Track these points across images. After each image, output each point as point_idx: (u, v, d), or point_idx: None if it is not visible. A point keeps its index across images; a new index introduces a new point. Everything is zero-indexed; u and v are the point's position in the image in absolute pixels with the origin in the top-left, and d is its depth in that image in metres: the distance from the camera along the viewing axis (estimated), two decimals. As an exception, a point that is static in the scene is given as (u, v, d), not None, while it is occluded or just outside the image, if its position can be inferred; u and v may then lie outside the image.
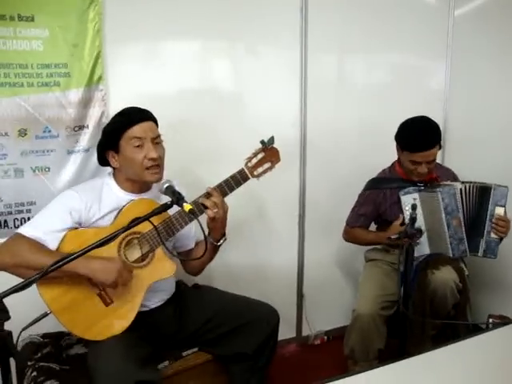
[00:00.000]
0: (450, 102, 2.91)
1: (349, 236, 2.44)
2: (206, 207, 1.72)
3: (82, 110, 2.08)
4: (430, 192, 2.12)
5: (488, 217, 2.12)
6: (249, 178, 1.82)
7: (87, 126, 2.11)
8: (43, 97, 2.00)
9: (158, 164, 1.74)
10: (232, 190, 1.79)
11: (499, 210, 2.12)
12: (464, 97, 2.83)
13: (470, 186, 2.15)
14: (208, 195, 1.73)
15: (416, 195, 2.12)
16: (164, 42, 2.26)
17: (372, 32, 2.66)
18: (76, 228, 1.67)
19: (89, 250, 1.31)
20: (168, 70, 2.27)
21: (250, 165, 1.81)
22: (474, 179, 2.21)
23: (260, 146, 1.84)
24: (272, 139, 1.82)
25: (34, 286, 1.50)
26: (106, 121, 2.12)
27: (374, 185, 2.34)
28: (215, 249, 1.88)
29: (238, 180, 1.79)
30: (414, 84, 2.84)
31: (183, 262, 1.98)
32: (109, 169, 1.87)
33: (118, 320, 1.67)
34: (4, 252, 1.58)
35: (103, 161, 1.82)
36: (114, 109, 2.11)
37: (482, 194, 2.14)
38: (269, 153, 1.84)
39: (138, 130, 1.72)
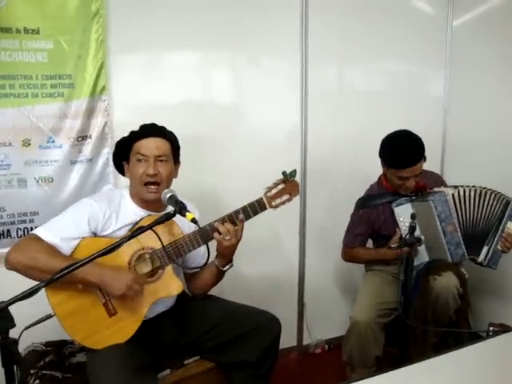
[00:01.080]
0: (449, 111, 2.94)
1: (348, 257, 2.43)
2: (219, 233, 1.72)
3: (85, 121, 2.10)
4: (422, 201, 2.12)
5: (500, 228, 2.13)
6: (266, 208, 1.81)
7: (90, 136, 2.13)
8: (47, 107, 2.03)
9: (156, 182, 1.75)
10: (248, 218, 1.78)
11: (510, 225, 2.13)
12: (463, 106, 2.86)
13: (464, 190, 2.14)
14: (223, 221, 1.74)
15: (409, 205, 2.12)
16: (167, 54, 2.30)
17: (372, 43, 2.69)
18: (88, 237, 1.69)
19: (96, 257, 1.32)
20: (170, 81, 2.29)
21: (269, 195, 1.80)
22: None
23: (281, 176, 1.83)
24: (294, 172, 1.82)
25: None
26: (108, 131, 2.16)
27: (366, 203, 2.33)
28: (220, 274, 1.89)
29: (255, 209, 1.78)
30: (414, 94, 2.87)
31: (188, 284, 1.99)
32: (123, 182, 1.93)
33: (120, 332, 1.68)
34: (19, 252, 1.58)
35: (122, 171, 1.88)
36: (117, 119, 2.16)
37: (501, 205, 2.14)
38: (289, 185, 1.83)
39: (143, 145, 1.75)
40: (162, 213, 1.77)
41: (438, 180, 2.36)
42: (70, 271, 1.29)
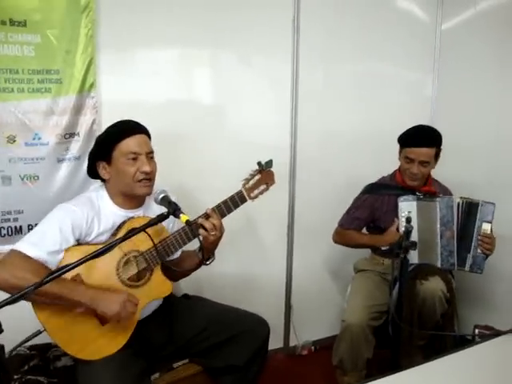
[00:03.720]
0: (437, 113, 2.97)
1: (340, 237, 2.43)
2: (204, 229, 1.70)
3: (73, 118, 2.04)
4: (428, 201, 2.16)
5: (475, 233, 2.15)
6: (246, 200, 1.81)
7: (78, 134, 2.07)
8: (34, 103, 1.96)
9: (149, 178, 1.72)
10: (230, 211, 1.78)
11: (486, 226, 2.14)
12: (451, 108, 2.89)
13: (463, 202, 2.17)
14: (207, 216, 1.71)
15: (414, 203, 2.14)
16: (156, 51, 2.25)
17: (362, 45, 2.71)
18: (74, 245, 1.62)
19: (86, 260, 1.27)
20: (160, 78, 2.25)
21: (247, 186, 1.80)
22: (459, 188, 2.28)
23: (256, 167, 1.83)
24: (271, 162, 1.82)
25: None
26: (97, 128, 2.10)
27: (373, 190, 2.36)
28: (201, 265, 1.87)
29: (236, 202, 1.78)
30: (403, 96, 2.89)
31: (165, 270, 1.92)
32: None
33: (114, 338, 1.63)
34: (6, 272, 1.47)
35: (93, 173, 1.77)
36: (106, 117, 2.11)
37: (470, 209, 2.16)
38: (265, 175, 1.83)
39: (133, 143, 1.68)
40: (141, 210, 1.78)
41: (449, 194, 2.35)
42: (58, 276, 1.24)
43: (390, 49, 2.80)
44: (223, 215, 1.76)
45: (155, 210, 1.77)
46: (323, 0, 2.58)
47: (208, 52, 2.37)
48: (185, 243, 1.73)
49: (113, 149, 1.68)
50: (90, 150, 1.98)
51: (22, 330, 1.46)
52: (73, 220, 1.61)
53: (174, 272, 1.89)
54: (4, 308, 1.14)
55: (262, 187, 1.84)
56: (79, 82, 2.03)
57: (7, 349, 1.79)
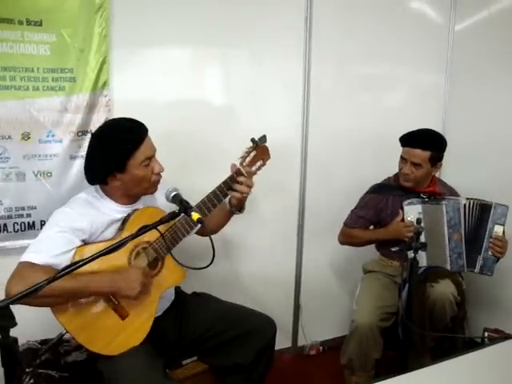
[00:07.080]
0: (448, 114, 2.95)
1: (345, 236, 2.43)
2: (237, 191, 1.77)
3: (86, 116, 2.06)
4: (434, 204, 2.15)
5: (487, 234, 2.13)
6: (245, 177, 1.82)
7: (91, 132, 2.07)
8: (48, 101, 1.99)
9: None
10: (230, 189, 1.79)
11: (498, 229, 2.13)
12: (463, 110, 2.87)
13: (472, 202, 2.16)
14: (236, 181, 1.77)
15: (419, 207, 2.14)
16: (170, 50, 2.26)
17: (374, 46, 2.70)
18: (82, 245, 1.62)
19: (100, 256, 1.27)
20: (172, 77, 2.26)
21: (244, 164, 1.81)
22: (471, 191, 2.25)
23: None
24: (264, 138, 1.83)
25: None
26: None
27: (378, 190, 2.37)
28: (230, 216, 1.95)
29: (235, 179, 1.79)
30: (415, 97, 2.88)
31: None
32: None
33: (136, 332, 1.66)
34: (19, 284, 1.42)
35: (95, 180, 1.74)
36: (118, 115, 2.10)
37: (483, 211, 2.15)
38: (260, 151, 1.84)
39: (145, 149, 1.66)
40: (140, 203, 1.79)
41: (455, 195, 2.35)
42: (75, 268, 1.24)
43: (403, 50, 2.78)
44: (225, 195, 1.79)
45: (154, 201, 1.83)
46: (336, 0, 2.57)
47: (220, 51, 2.38)
48: (190, 230, 1.75)
49: (128, 160, 1.64)
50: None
51: (35, 323, 1.49)
52: (70, 222, 1.60)
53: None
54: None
55: (259, 163, 1.85)
56: (92, 80, 2.04)
57: (20, 342, 1.86)
